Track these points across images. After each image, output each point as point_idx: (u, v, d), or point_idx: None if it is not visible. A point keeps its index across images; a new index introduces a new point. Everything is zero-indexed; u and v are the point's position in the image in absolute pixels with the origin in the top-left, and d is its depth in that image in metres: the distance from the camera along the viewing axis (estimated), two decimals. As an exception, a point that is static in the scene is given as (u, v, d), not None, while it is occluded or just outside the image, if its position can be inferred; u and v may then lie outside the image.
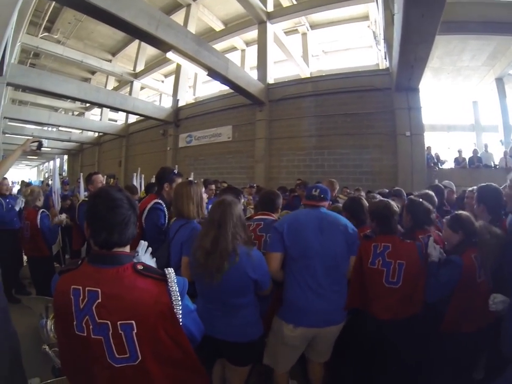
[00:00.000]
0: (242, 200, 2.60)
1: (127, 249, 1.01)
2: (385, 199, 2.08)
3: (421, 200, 2.27)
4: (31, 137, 2.18)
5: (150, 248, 1.14)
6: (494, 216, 2.09)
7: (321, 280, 1.80)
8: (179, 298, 0.92)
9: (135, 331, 0.89)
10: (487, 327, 1.74)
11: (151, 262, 1.10)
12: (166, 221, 2.32)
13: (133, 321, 0.89)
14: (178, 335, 0.94)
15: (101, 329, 0.90)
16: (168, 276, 0.94)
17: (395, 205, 2.02)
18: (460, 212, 2.01)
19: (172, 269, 0.98)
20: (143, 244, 1.13)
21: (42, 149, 2.27)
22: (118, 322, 0.89)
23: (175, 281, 0.94)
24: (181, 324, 0.93)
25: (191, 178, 2.29)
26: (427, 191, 2.94)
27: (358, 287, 1.90)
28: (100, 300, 0.90)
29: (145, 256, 1.11)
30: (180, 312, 0.93)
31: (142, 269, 0.94)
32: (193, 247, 1.61)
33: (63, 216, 3.54)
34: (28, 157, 20.90)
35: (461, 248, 1.86)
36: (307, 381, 2.14)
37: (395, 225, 1.97)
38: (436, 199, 2.83)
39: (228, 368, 1.77)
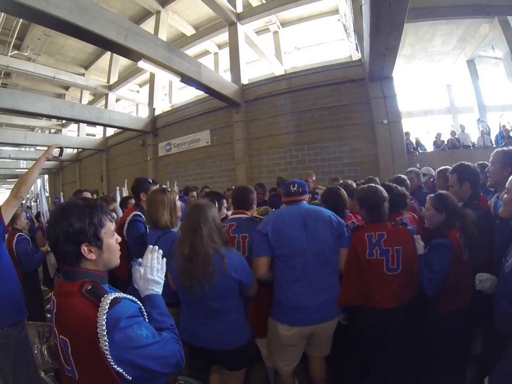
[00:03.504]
0: (225, 204, 2.56)
1: (86, 266, 0.96)
2: (373, 185, 2.01)
3: (395, 185, 2.28)
4: (53, 144, 2.09)
5: (160, 250, 1.15)
6: (475, 192, 2.14)
7: (311, 277, 1.76)
8: (104, 333, 0.81)
9: (70, 349, 0.89)
10: (474, 303, 1.75)
11: (158, 267, 1.11)
12: (147, 231, 2.30)
13: (67, 339, 0.89)
14: (105, 369, 0.83)
15: (55, 336, 0.95)
16: (101, 302, 0.84)
17: (384, 191, 1.95)
18: (444, 192, 1.99)
19: (114, 295, 0.88)
20: (151, 248, 1.13)
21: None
22: (60, 336, 0.92)
23: (105, 311, 0.83)
24: (109, 358, 0.82)
25: (164, 186, 2.23)
26: (400, 175, 3.05)
27: (355, 282, 1.82)
28: (55, 310, 0.95)
29: (148, 262, 1.10)
30: (106, 346, 0.81)
31: (88, 289, 0.89)
32: (174, 254, 1.58)
33: None
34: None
35: (443, 229, 1.85)
36: (310, 379, 2.07)
37: (385, 212, 1.90)
38: (409, 182, 2.93)
39: (223, 373, 1.75)
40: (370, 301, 1.80)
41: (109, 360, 0.82)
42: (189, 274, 1.51)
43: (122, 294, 0.93)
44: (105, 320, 0.82)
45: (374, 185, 1.99)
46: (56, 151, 2.07)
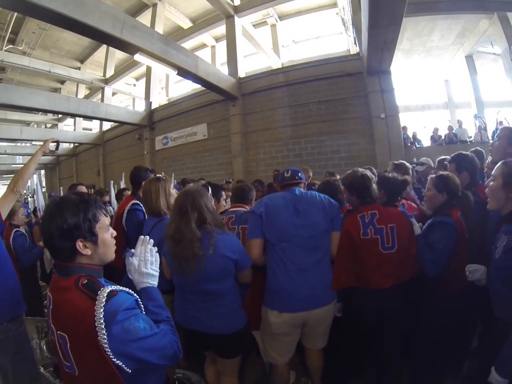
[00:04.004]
0: (224, 196, 2.58)
1: (81, 261, 0.95)
2: (356, 169, 2.02)
3: (392, 174, 2.24)
4: (50, 138, 2.08)
5: (151, 241, 1.13)
6: (473, 180, 2.17)
7: (301, 263, 1.75)
8: (102, 326, 0.81)
9: (69, 345, 0.88)
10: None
11: (152, 259, 1.10)
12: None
13: (66, 335, 0.88)
14: (105, 363, 0.84)
15: (52, 333, 0.94)
16: (98, 296, 0.84)
17: (369, 172, 1.98)
18: (446, 172, 2.02)
19: (110, 288, 0.88)
20: (142, 239, 1.13)
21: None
22: (58, 332, 0.91)
23: (102, 304, 0.83)
24: (108, 352, 0.82)
25: (159, 175, 2.25)
26: (403, 161, 3.01)
27: (349, 264, 1.82)
28: (51, 307, 0.94)
29: (142, 255, 1.10)
30: (104, 339, 0.81)
31: (84, 284, 0.89)
32: (164, 237, 1.60)
33: None
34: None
35: (445, 208, 1.85)
36: (306, 370, 2.07)
37: (375, 193, 1.92)
38: (410, 171, 2.91)
39: (218, 362, 1.74)
40: (367, 282, 1.79)
41: (108, 353, 0.82)
42: (177, 257, 1.52)
43: (118, 286, 0.92)
44: (103, 313, 0.81)
45: (357, 169, 2.01)
46: (52, 145, 2.06)
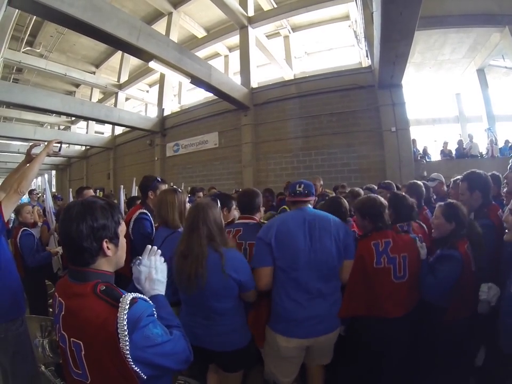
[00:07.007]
0: (234, 206, 2.52)
1: (100, 265, 0.96)
2: (372, 194, 2.01)
3: (404, 194, 2.22)
4: (53, 139, 2.04)
5: (158, 251, 1.14)
6: (485, 201, 2.10)
7: (311, 290, 1.72)
8: (125, 333, 0.81)
9: (83, 352, 0.87)
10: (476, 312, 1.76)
11: (162, 267, 1.12)
12: (153, 230, 2.32)
13: (81, 342, 0.88)
14: (124, 370, 0.84)
15: (62, 340, 0.93)
16: (121, 303, 0.84)
17: (382, 198, 1.96)
18: (454, 201, 1.99)
19: (132, 295, 0.88)
20: (149, 248, 1.14)
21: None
22: (71, 339, 0.90)
23: (126, 311, 0.83)
24: (129, 359, 0.82)
25: (175, 186, 2.26)
26: (416, 181, 2.95)
27: (361, 293, 1.79)
28: (63, 313, 0.92)
29: (148, 261, 1.11)
30: (127, 346, 0.81)
31: (102, 290, 0.89)
32: (174, 252, 1.59)
33: (59, 248, 3.39)
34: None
35: (453, 239, 1.84)
36: None
37: (387, 218, 1.90)
38: (424, 190, 2.86)
39: (220, 374, 1.75)
40: (379, 311, 1.77)
41: (129, 360, 0.82)
42: (183, 272, 1.52)
43: (137, 293, 0.92)
44: (126, 320, 0.82)
45: (372, 195, 2.00)
46: (56, 146, 2.04)
